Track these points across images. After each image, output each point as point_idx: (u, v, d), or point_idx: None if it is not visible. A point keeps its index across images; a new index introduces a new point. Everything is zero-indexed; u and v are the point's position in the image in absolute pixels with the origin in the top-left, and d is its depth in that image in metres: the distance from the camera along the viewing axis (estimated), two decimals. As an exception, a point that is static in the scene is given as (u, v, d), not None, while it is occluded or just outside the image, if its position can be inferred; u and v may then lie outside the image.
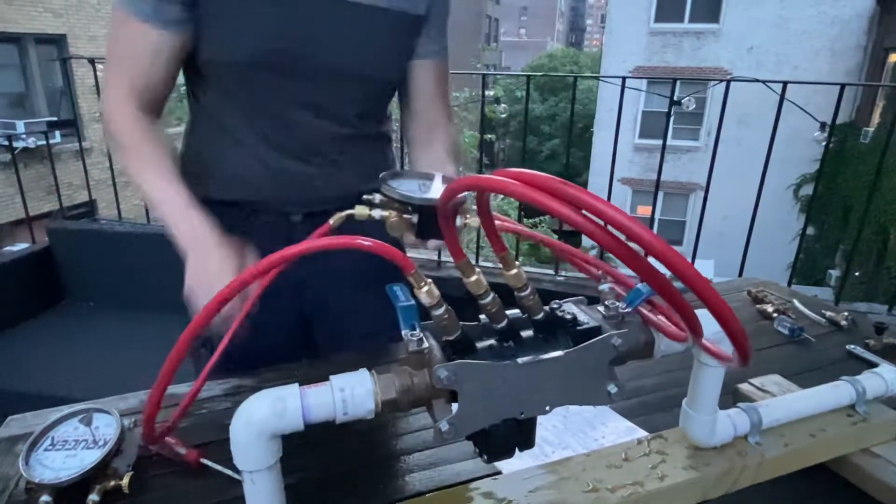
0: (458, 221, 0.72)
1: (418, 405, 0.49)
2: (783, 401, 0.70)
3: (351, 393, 0.47)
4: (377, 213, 0.70)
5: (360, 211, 0.70)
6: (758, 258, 2.06)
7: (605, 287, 0.57)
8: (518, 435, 0.55)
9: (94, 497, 0.68)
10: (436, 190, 0.74)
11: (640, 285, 0.55)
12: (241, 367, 0.96)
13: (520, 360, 0.48)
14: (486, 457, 0.54)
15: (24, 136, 7.38)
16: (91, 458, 0.69)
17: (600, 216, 0.34)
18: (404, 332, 0.49)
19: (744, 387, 0.84)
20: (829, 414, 0.70)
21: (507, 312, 0.54)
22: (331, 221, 0.67)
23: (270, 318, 1.04)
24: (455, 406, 0.48)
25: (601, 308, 0.56)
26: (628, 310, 0.55)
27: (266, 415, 0.45)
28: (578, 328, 0.53)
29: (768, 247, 2.08)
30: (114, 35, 0.86)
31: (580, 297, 0.57)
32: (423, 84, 1.01)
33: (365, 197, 0.72)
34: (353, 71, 0.93)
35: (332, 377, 0.48)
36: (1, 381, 1.86)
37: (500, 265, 0.50)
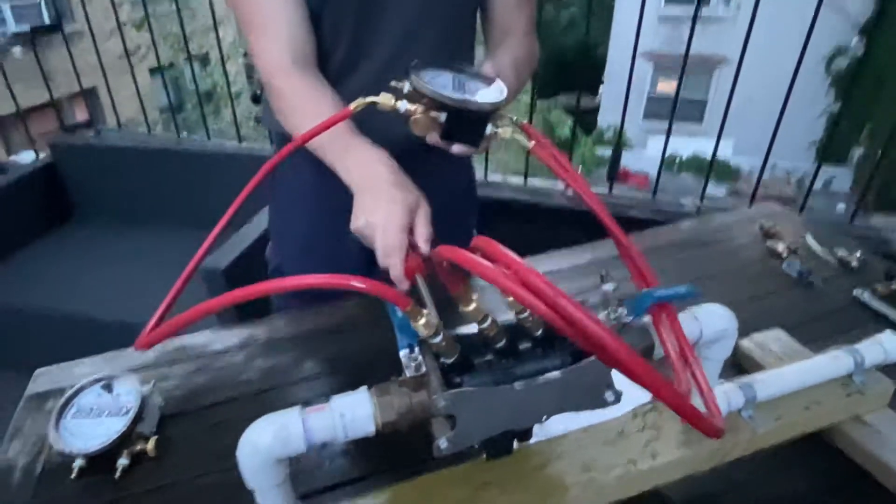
0: (489, 129, 0.67)
1: (418, 424, 0.50)
2: (780, 375, 0.70)
3: (352, 417, 0.48)
4: (402, 106, 0.65)
5: (384, 100, 0.64)
6: (780, 134, 1.96)
7: (608, 287, 0.56)
8: (516, 434, 0.57)
9: (123, 461, 0.73)
10: (474, 93, 0.65)
11: (646, 290, 0.54)
12: (310, 300, 1.04)
13: (517, 386, 0.48)
14: (485, 457, 0.56)
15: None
16: (117, 426, 0.73)
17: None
18: (402, 354, 0.50)
19: (744, 343, 0.85)
20: (825, 385, 0.71)
21: (504, 321, 0.53)
22: (351, 106, 0.63)
23: (345, 254, 1.02)
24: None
25: (601, 316, 0.55)
26: (630, 318, 0.54)
27: (270, 443, 0.47)
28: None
29: (792, 122, 1.96)
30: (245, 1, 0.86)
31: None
32: None
33: (393, 84, 0.66)
34: None
35: (332, 399, 0.49)
36: (18, 298, 1.91)
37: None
